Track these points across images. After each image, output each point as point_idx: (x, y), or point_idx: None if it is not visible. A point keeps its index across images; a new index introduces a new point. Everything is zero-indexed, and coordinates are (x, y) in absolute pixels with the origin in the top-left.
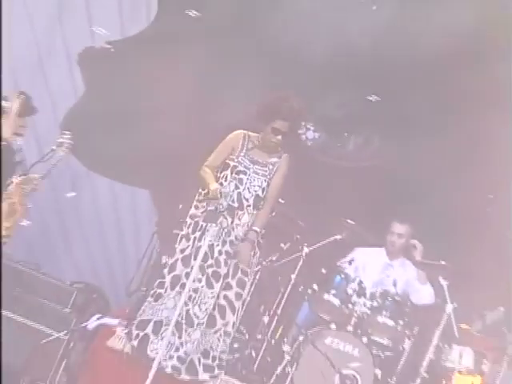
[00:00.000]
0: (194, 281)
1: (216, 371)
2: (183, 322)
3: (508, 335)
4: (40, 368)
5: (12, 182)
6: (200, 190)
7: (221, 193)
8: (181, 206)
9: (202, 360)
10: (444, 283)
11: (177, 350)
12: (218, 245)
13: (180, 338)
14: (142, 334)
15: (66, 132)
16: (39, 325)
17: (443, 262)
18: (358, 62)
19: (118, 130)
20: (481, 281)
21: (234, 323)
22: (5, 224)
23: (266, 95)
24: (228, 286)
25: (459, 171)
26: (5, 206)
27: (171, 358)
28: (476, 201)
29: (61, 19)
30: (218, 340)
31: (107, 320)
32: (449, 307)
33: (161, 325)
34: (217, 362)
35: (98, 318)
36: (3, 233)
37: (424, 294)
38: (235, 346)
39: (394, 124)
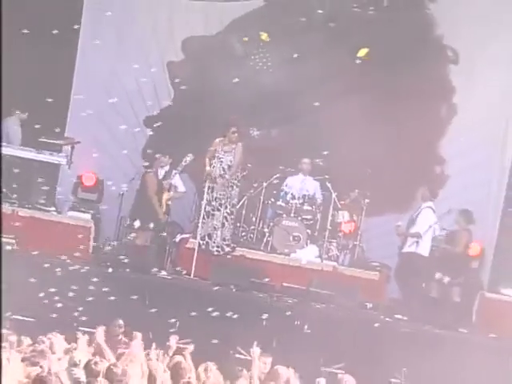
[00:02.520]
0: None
1: (232, 246)
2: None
3: (362, 202)
4: (159, 261)
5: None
6: None
7: (208, 172)
8: (204, 178)
9: (225, 242)
10: (329, 185)
11: (218, 244)
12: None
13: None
14: (205, 241)
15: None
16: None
17: (327, 176)
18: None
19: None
20: (347, 180)
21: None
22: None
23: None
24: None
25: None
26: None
27: (218, 247)
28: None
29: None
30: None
31: (184, 235)
32: (333, 195)
33: (210, 235)
34: (230, 242)
35: (180, 235)
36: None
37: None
38: (243, 233)
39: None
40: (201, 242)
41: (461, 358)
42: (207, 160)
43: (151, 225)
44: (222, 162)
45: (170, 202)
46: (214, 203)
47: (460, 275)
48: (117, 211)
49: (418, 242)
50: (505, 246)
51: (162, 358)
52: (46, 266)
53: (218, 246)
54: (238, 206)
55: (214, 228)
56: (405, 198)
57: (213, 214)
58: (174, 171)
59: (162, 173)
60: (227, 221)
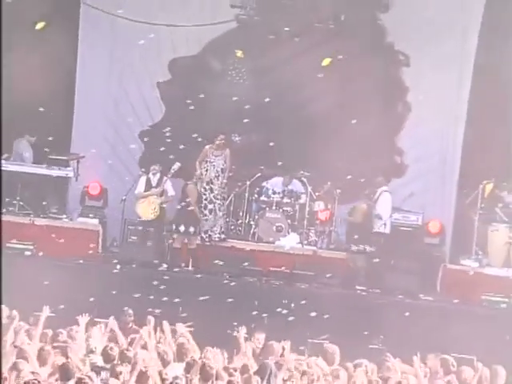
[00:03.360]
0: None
1: (224, 235)
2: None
3: (335, 192)
4: (158, 253)
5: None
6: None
7: (198, 175)
8: (195, 180)
9: (219, 230)
10: (305, 180)
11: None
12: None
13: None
14: (208, 234)
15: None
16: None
17: (307, 173)
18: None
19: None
20: (321, 174)
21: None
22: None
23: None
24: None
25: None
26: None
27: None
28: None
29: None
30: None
31: None
32: (309, 188)
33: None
34: (223, 230)
35: None
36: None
37: (302, 191)
38: (232, 227)
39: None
40: (204, 236)
41: (429, 322)
42: (197, 164)
43: (191, 229)
44: (214, 165)
45: (164, 205)
46: (216, 201)
47: (365, 243)
48: (120, 215)
49: (385, 224)
50: (461, 223)
51: (169, 341)
52: (62, 266)
53: (219, 233)
54: (226, 203)
55: (217, 221)
56: (370, 185)
57: (215, 211)
58: (164, 178)
59: (155, 180)
60: (224, 214)
